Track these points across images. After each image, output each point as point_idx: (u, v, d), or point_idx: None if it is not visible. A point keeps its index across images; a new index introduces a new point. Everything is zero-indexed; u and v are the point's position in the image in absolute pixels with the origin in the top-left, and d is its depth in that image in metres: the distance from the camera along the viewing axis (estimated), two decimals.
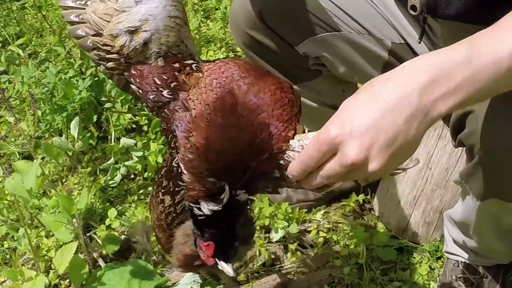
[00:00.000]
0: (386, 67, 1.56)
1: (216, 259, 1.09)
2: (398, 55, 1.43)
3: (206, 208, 1.03)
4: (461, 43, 0.87)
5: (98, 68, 1.18)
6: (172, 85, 1.05)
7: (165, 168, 1.17)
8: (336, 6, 1.41)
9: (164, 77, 1.05)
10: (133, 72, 1.07)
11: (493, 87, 0.87)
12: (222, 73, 1.03)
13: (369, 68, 1.53)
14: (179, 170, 1.06)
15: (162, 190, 1.19)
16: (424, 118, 0.85)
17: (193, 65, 1.06)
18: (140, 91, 1.08)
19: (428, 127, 0.86)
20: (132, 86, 1.09)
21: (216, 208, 1.03)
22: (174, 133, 1.04)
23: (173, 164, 1.11)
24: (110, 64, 1.09)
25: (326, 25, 1.42)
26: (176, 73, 1.05)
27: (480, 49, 0.85)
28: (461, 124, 1.09)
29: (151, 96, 1.07)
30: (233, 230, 1.09)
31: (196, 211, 1.05)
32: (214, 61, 1.09)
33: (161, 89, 1.05)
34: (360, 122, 0.84)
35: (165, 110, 1.06)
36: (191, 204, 1.06)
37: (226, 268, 1.10)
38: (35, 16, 2.79)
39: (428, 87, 0.84)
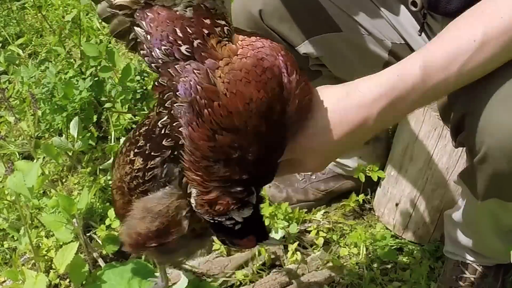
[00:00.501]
0: (386, 67, 1.56)
1: (259, 243, 1.06)
2: (398, 55, 1.43)
3: (240, 217, 0.97)
4: (416, 63, 0.99)
5: (97, 9, 1.01)
6: (195, 42, 0.90)
7: (146, 127, 1.04)
8: (337, 7, 1.41)
9: (188, 30, 0.90)
10: (149, 14, 0.93)
11: (440, 97, 1.06)
12: (262, 61, 0.88)
13: (369, 68, 1.52)
14: (162, 132, 0.96)
15: (136, 150, 1.05)
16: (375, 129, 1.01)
17: (225, 28, 0.91)
18: (148, 36, 0.93)
19: None
20: (138, 29, 0.95)
21: (250, 213, 0.97)
22: (177, 93, 0.90)
23: (158, 124, 0.97)
24: (120, 1, 0.95)
25: (327, 26, 1.42)
26: (204, 31, 0.90)
27: (432, 67, 0.97)
28: (461, 125, 1.09)
29: (162, 47, 0.92)
30: (258, 213, 1.03)
31: (227, 223, 0.98)
32: (249, 34, 0.94)
33: (180, 42, 0.90)
34: (328, 149, 1.00)
35: (176, 66, 0.90)
36: (218, 219, 0.97)
37: (273, 242, 1.09)
38: (35, 16, 2.80)
39: (385, 113, 0.98)
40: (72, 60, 2.32)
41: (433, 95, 1.00)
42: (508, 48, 0.99)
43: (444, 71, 0.97)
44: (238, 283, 1.68)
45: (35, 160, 1.90)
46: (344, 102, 0.98)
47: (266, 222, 1.78)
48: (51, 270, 1.70)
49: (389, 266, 1.73)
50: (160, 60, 0.93)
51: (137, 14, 0.95)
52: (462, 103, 1.08)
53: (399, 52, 1.41)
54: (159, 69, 0.94)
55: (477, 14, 1.00)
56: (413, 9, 1.29)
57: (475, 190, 1.17)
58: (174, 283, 1.65)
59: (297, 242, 1.76)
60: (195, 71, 0.89)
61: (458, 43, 0.98)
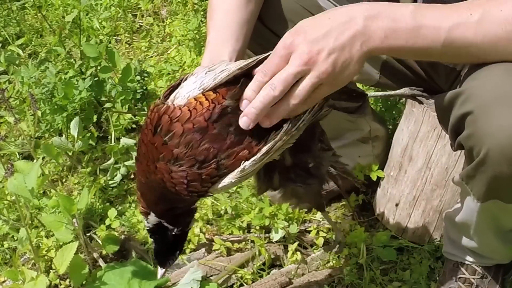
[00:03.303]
0: (385, 66, 1.56)
1: None
2: (396, 57, 1.43)
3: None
4: (409, 4, 1.03)
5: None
6: None
7: None
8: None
9: None
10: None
11: (428, 50, 1.03)
12: None
13: (367, 66, 1.53)
14: None
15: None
16: (365, 41, 1.01)
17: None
18: None
19: (366, 54, 1.02)
20: None
21: None
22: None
23: None
24: None
25: None
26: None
27: (425, 13, 1.01)
28: (460, 126, 1.09)
29: None
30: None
31: None
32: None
33: None
34: (314, 31, 1.00)
35: None
36: None
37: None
38: (35, 16, 2.80)
39: (373, 17, 1.00)
40: (72, 60, 2.32)
41: (423, 40, 1.01)
42: (503, 42, 1.00)
43: (435, 21, 1.00)
44: (238, 283, 1.69)
45: (35, 160, 1.90)
46: (331, 11, 1.04)
47: (266, 222, 1.78)
48: (51, 270, 1.71)
49: (389, 266, 1.74)
50: None
51: None
52: (460, 104, 1.07)
53: None
54: None
55: (479, 2, 1.02)
56: None
57: (476, 191, 1.16)
58: (174, 283, 1.65)
59: (297, 242, 1.77)
60: None
61: (454, 9, 1.02)
